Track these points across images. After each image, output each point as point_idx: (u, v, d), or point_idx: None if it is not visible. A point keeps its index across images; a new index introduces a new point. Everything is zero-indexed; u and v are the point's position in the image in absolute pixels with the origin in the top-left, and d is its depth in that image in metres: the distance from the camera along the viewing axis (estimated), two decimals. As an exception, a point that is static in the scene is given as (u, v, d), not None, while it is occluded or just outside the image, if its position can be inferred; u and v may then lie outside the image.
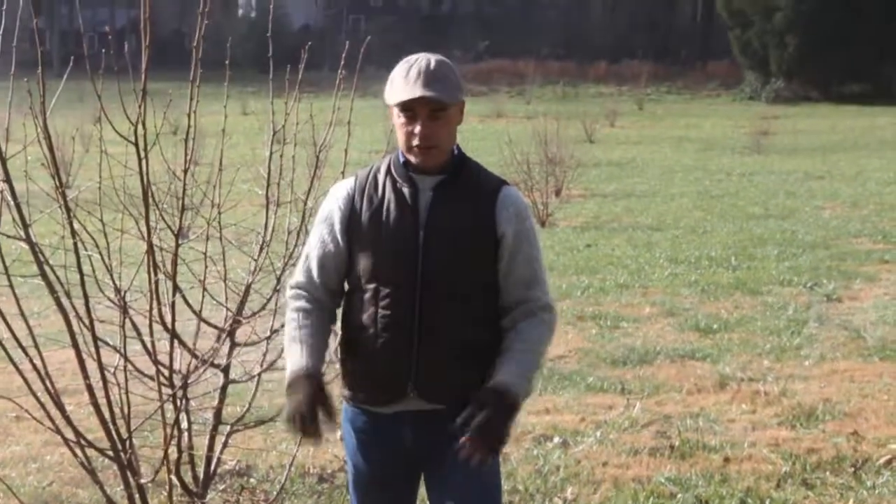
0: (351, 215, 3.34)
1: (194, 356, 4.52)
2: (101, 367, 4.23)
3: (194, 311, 4.68)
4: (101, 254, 4.30)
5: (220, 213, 4.85)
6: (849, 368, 8.26)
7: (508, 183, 3.42)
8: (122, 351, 4.31)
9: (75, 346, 4.19)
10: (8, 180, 4.02)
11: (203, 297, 4.71)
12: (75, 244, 4.11)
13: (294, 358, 3.33)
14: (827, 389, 7.69)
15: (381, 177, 3.35)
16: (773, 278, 11.96)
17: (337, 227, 3.36)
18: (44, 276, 4.09)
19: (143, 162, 4.15)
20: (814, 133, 36.44)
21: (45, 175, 4.17)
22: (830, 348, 8.86)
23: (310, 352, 3.32)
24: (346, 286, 3.43)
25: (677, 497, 5.65)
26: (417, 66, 3.21)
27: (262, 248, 4.78)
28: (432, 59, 3.25)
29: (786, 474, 5.95)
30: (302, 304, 3.40)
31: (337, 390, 3.53)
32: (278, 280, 4.77)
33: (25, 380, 4.26)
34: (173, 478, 4.54)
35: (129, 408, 4.37)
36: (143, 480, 4.50)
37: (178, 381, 4.44)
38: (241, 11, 75.65)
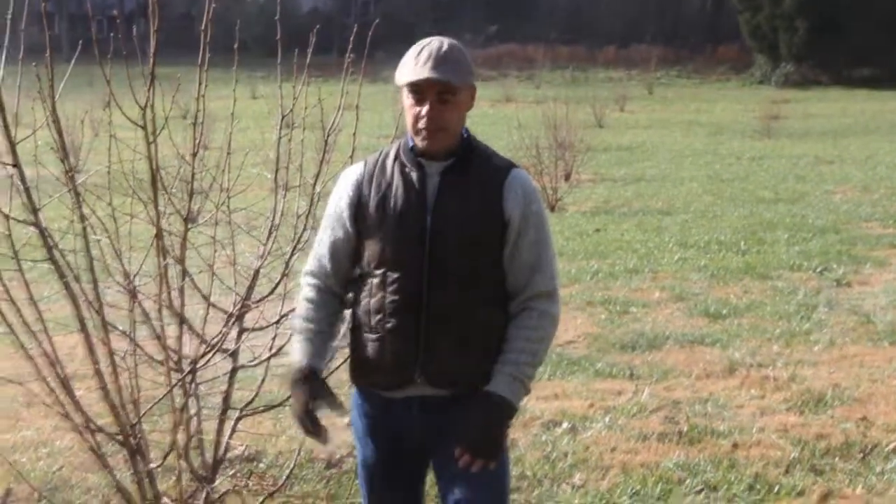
0: (359, 201, 3.34)
1: (203, 341, 4.52)
2: (111, 352, 4.23)
3: (203, 296, 4.68)
4: (110, 238, 4.30)
5: (228, 197, 4.84)
6: (858, 353, 8.24)
7: (518, 166, 3.40)
8: (132, 336, 4.31)
9: (84, 331, 4.19)
10: (17, 165, 4.02)
11: (212, 281, 4.71)
12: (84, 229, 4.10)
13: (297, 355, 3.42)
14: (836, 375, 7.67)
15: (389, 162, 3.35)
16: (782, 263, 11.93)
17: (345, 213, 3.36)
18: (53, 260, 4.09)
19: (152, 146, 4.14)
20: (824, 117, 36.34)
21: (54, 159, 4.17)
22: (840, 333, 8.84)
23: (313, 350, 3.40)
24: (357, 271, 3.43)
25: (686, 482, 5.64)
26: (429, 48, 3.22)
27: (270, 233, 4.78)
28: (444, 42, 3.25)
29: (794, 460, 5.94)
30: (313, 294, 3.42)
31: (346, 375, 3.54)
32: (287, 264, 4.76)
33: (35, 364, 4.26)
34: (182, 463, 4.54)
35: (138, 393, 4.37)
36: (151, 465, 4.51)
37: (186, 366, 4.44)
38: (249, -5, 75.46)
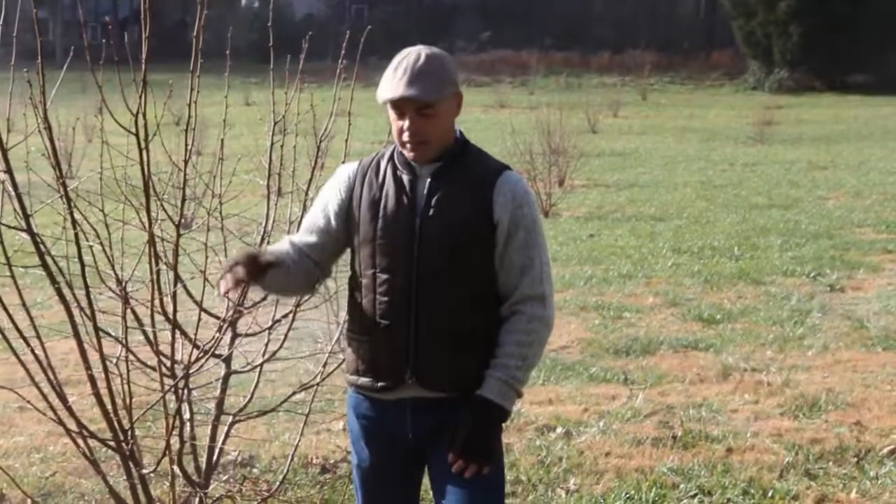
0: (350, 200, 3.36)
1: (196, 346, 4.51)
2: (103, 358, 4.22)
3: (196, 302, 4.67)
4: (102, 244, 4.30)
5: (221, 203, 4.84)
6: (852, 358, 8.25)
7: (510, 168, 3.39)
8: (124, 341, 4.30)
9: (77, 336, 4.18)
10: (9, 171, 4.01)
11: (204, 287, 4.71)
12: (76, 234, 4.10)
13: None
14: (830, 379, 7.68)
15: (383, 163, 3.36)
16: (776, 268, 11.95)
17: (332, 207, 3.38)
18: (45, 266, 4.08)
19: (144, 152, 4.14)
20: (817, 123, 36.40)
21: (46, 165, 4.16)
22: (833, 338, 8.85)
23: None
24: (350, 272, 3.44)
25: (680, 487, 5.65)
26: (406, 62, 3.19)
27: (263, 239, 4.78)
28: (423, 53, 3.22)
29: (788, 464, 5.95)
30: (288, 246, 3.43)
31: (341, 379, 3.54)
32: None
33: (28, 370, 4.25)
34: (176, 468, 4.54)
35: (130, 398, 4.36)
36: (145, 471, 4.50)
37: (179, 372, 4.43)
38: (244, 1, 75.56)
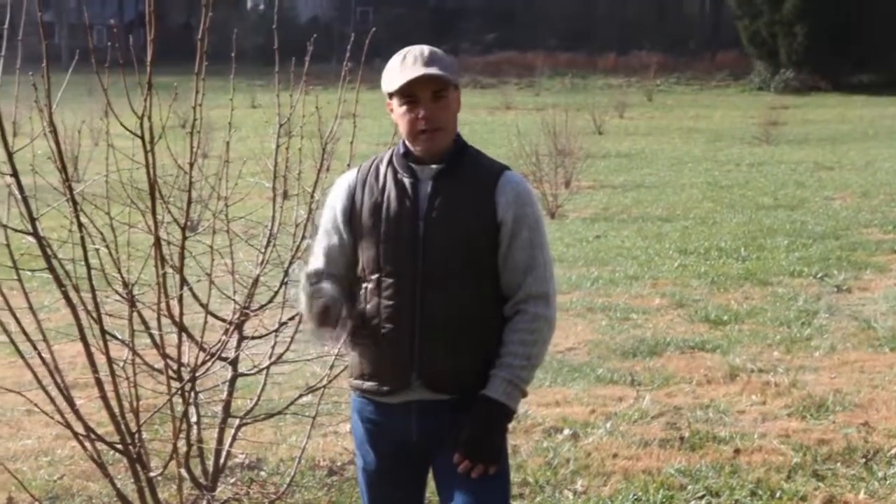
0: (352, 207, 3.35)
1: (202, 349, 4.52)
2: (110, 361, 4.22)
3: (202, 305, 4.68)
4: (108, 247, 4.30)
5: (227, 206, 4.84)
6: (859, 359, 8.24)
7: (510, 168, 3.40)
8: (131, 344, 4.30)
9: (84, 339, 4.19)
10: (15, 174, 4.01)
11: (211, 290, 4.71)
12: (82, 238, 4.10)
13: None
14: (837, 380, 7.67)
15: (382, 167, 3.36)
16: (782, 269, 11.93)
17: (339, 218, 3.37)
18: (52, 269, 4.09)
19: (150, 155, 4.14)
20: (823, 123, 36.35)
21: (53, 169, 4.17)
22: (841, 339, 8.83)
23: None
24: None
25: (687, 488, 5.64)
26: (412, 52, 3.26)
27: (269, 241, 4.78)
28: (426, 46, 3.29)
29: (796, 465, 5.93)
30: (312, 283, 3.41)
31: (346, 383, 3.53)
32: (286, 273, 4.76)
33: (35, 374, 4.26)
34: (183, 471, 4.54)
35: (137, 401, 4.37)
36: (152, 474, 4.50)
37: (186, 375, 4.43)
38: (249, 4, 75.66)
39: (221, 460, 4.88)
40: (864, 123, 35.98)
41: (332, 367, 4.91)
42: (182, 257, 4.36)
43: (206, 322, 4.70)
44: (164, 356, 4.45)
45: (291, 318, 4.78)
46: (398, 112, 3.28)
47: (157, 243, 4.24)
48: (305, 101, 4.91)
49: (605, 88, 51.67)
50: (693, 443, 6.32)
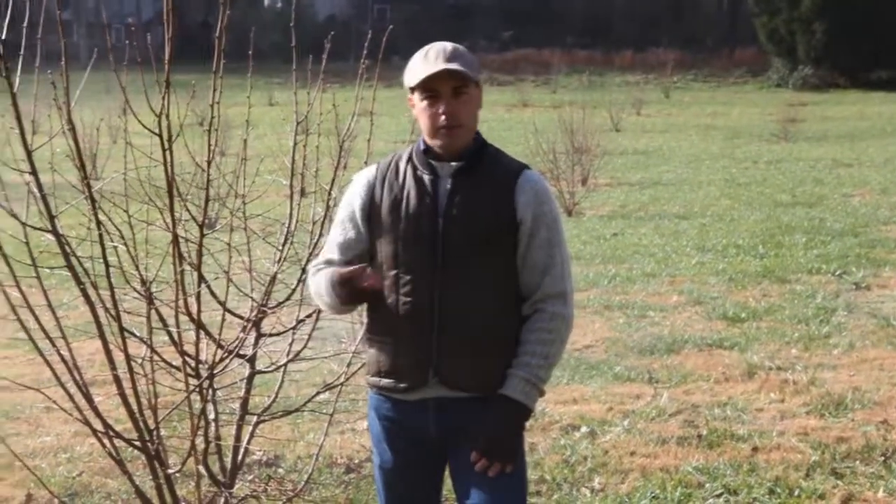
0: (371, 203, 3.36)
1: (220, 347, 4.52)
2: (128, 358, 4.23)
3: (220, 302, 4.68)
4: (126, 245, 4.31)
5: (244, 203, 4.85)
6: (878, 357, 8.20)
7: (529, 167, 3.41)
8: (149, 342, 4.31)
9: (102, 337, 4.20)
10: (34, 172, 4.03)
11: (228, 287, 4.72)
12: (101, 235, 4.11)
13: (330, 286, 3.35)
14: (856, 378, 7.64)
15: (402, 164, 3.37)
16: (801, 266, 11.88)
17: (358, 214, 3.38)
18: (70, 267, 4.10)
19: (168, 153, 4.15)
20: (842, 120, 36.18)
21: (72, 167, 4.18)
22: (859, 336, 8.80)
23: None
24: None
25: (705, 486, 5.63)
26: (436, 48, 3.27)
27: (286, 239, 4.78)
28: (448, 43, 3.31)
29: (815, 463, 5.92)
30: (326, 268, 3.41)
31: (363, 380, 3.54)
32: (303, 270, 4.76)
33: (54, 371, 4.27)
34: (201, 468, 4.55)
35: (156, 398, 4.38)
36: (170, 471, 4.51)
37: (204, 372, 4.44)
38: (266, 2, 75.78)
39: (239, 457, 4.89)
40: (882, 120, 35.80)
41: (349, 365, 4.92)
42: (200, 255, 4.36)
43: (223, 319, 4.70)
44: (182, 353, 4.46)
45: (309, 316, 4.78)
46: (419, 107, 3.28)
47: (175, 241, 4.25)
48: (323, 98, 4.92)
49: (622, 85, 51.54)
50: (711, 441, 6.30)
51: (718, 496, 5.52)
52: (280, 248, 4.81)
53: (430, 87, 3.24)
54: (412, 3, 67.21)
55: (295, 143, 4.82)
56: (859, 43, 49.22)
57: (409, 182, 3.33)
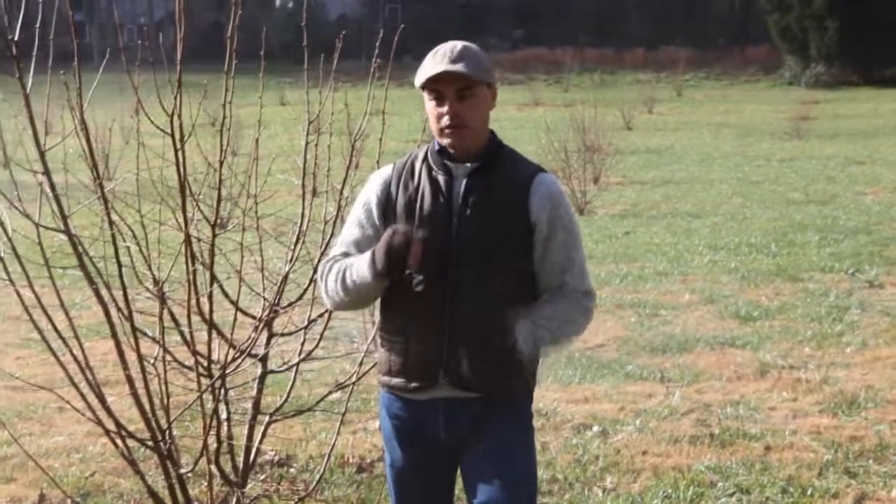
0: (387, 201, 3.36)
1: (232, 346, 4.53)
2: (141, 358, 4.25)
3: (232, 302, 4.69)
4: (139, 245, 4.32)
5: (256, 203, 4.86)
6: (891, 355, 8.17)
7: (545, 170, 3.40)
8: (161, 341, 4.32)
9: (115, 337, 4.21)
10: (47, 172, 4.05)
11: (240, 287, 4.73)
12: (113, 235, 4.12)
13: (360, 262, 3.27)
14: (869, 376, 7.62)
15: (418, 164, 3.37)
16: (813, 265, 11.85)
17: (375, 211, 3.37)
18: (83, 267, 4.12)
19: (180, 153, 4.16)
20: (855, 117, 36.06)
21: (84, 167, 4.20)
22: (872, 335, 8.77)
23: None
24: None
25: (718, 486, 5.62)
26: (444, 48, 3.27)
27: (298, 238, 4.79)
28: (460, 42, 3.30)
29: (828, 462, 5.90)
30: (341, 260, 3.38)
31: (375, 379, 3.54)
32: (315, 270, 4.77)
33: (67, 371, 4.29)
34: (213, 468, 4.56)
35: (168, 398, 4.39)
36: (183, 470, 4.52)
37: (216, 372, 4.45)
38: (278, 2, 75.86)
39: (251, 457, 4.90)
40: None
41: (361, 364, 4.92)
42: (212, 254, 4.37)
43: (235, 319, 4.71)
44: (195, 353, 4.47)
45: (321, 315, 4.79)
46: (428, 107, 3.30)
47: (188, 241, 4.26)
48: (334, 98, 4.92)
49: (633, 84, 51.42)
50: (723, 440, 6.29)
51: (731, 495, 5.51)
52: (292, 247, 4.81)
53: (434, 89, 3.25)
54: (423, 2, 67.23)
55: (307, 143, 4.82)
56: (872, 40, 49.03)
57: (424, 182, 3.33)
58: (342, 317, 4.95)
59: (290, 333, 4.85)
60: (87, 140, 4.09)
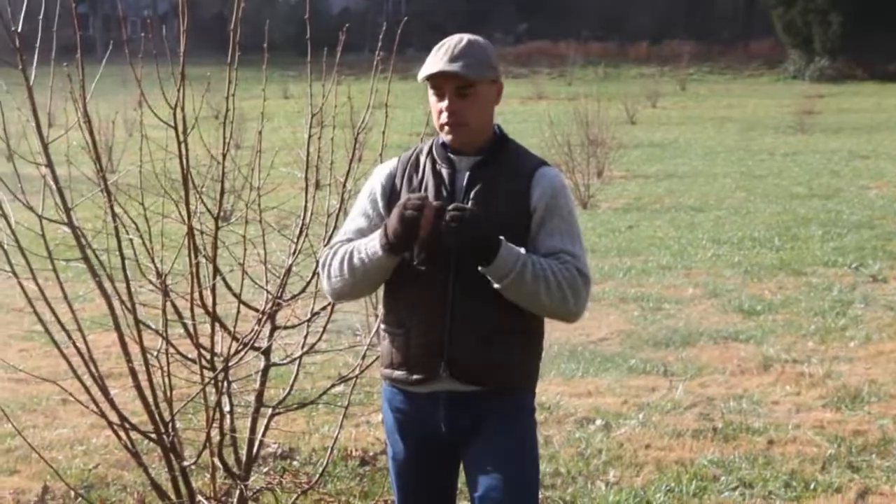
0: (392, 192, 3.36)
1: (235, 339, 4.53)
2: (144, 351, 4.25)
3: (235, 295, 4.69)
4: (142, 237, 4.32)
5: (259, 196, 4.85)
6: (895, 349, 8.16)
7: (548, 164, 3.39)
8: (164, 334, 4.32)
9: (118, 329, 4.21)
10: (50, 165, 4.05)
11: (243, 280, 4.72)
12: (116, 228, 4.12)
13: (369, 240, 3.24)
14: (872, 371, 7.61)
15: (422, 157, 3.37)
16: (817, 259, 11.85)
17: (380, 202, 3.37)
18: (86, 259, 4.12)
19: (183, 146, 4.16)
20: (858, 112, 36.02)
21: (88, 159, 4.20)
22: (876, 329, 8.77)
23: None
24: None
25: (720, 480, 5.61)
26: (448, 43, 3.25)
27: (301, 231, 4.78)
28: (465, 37, 3.28)
29: (831, 457, 5.90)
30: (346, 244, 3.35)
31: (378, 372, 3.54)
32: (318, 262, 4.77)
33: (70, 363, 4.29)
34: (216, 460, 4.56)
35: (171, 391, 4.39)
36: (186, 463, 4.53)
37: (219, 364, 4.45)
38: (281, -5, 75.71)
39: (254, 450, 4.90)
40: (899, 112, 35.62)
41: (364, 357, 4.92)
42: (215, 247, 4.37)
43: (238, 312, 4.71)
44: (198, 346, 4.47)
45: (324, 308, 4.78)
46: (430, 101, 3.30)
47: (191, 233, 4.26)
48: (338, 91, 4.91)
49: (637, 78, 51.40)
50: (726, 434, 6.29)
51: (734, 489, 5.51)
52: (295, 240, 4.81)
53: (434, 85, 3.25)
54: (427, -5, 67.10)
55: (310, 136, 4.82)
56: (876, 34, 48.95)
57: (428, 175, 3.32)
58: (345, 309, 4.95)
59: (293, 326, 4.85)
60: (91, 132, 4.09)
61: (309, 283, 4.80)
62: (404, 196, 3.29)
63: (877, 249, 12.27)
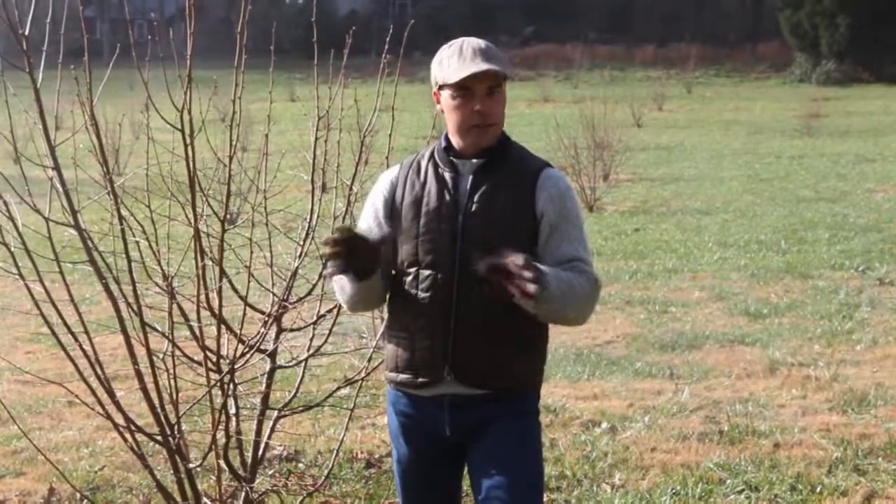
0: (393, 201, 3.36)
1: (241, 341, 4.53)
2: (150, 353, 4.25)
3: (241, 297, 4.69)
4: (148, 240, 4.33)
5: (265, 198, 4.86)
6: (901, 353, 8.16)
7: (551, 165, 3.40)
8: (171, 336, 4.33)
9: (124, 331, 4.22)
10: (57, 167, 4.05)
11: (249, 282, 4.73)
12: (123, 231, 4.13)
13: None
14: (879, 374, 7.60)
15: (424, 162, 3.37)
16: (823, 262, 11.83)
17: (381, 212, 3.38)
18: (93, 262, 4.12)
19: (189, 149, 4.16)
20: (865, 115, 35.94)
21: (95, 162, 4.20)
22: (882, 332, 8.75)
23: None
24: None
25: (726, 483, 5.61)
26: (469, 45, 3.25)
27: (307, 234, 4.79)
28: (478, 40, 3.29)
29: (837, 460, 5.89)
30: None
31: (383, 375, 3.54)
32: (324, 265, 4.77)
33: (76, 365, 4.30)
34: (221, 462, 4.56)
35: (177, 393, 4.39)
36: (191, 465, 4.53)
37: (225, 367, 4.45)
38: (288, -2, 75.79)
39: (260, 452, 4.90)
40: (906, 115, 35.56)
41: (370, 360, 4.92)
42: (221, 250, 4.37)
43: (244, 314, 4.71)
44: (204, 348, 4.47)
45: (330, 311, 4.79)
46: (450, 104, 3.26)
47: (197, 236, 4.26)
48: (344, 94, 4.92)
49: (643, 81, 51.34)
50: (732, 437, 6.28)
51: (740, 492, 5.51)
52: (301, 243, 4.81)
53: (465, 86, 3.22)
54: (434, -2, 67.14)
55: (316, 139, 4.82)
56: (883, 37, 48.90)
57: (430, 180, 3.33)
58: (350, 312, 4.95)
59: (299, 329, 4.86)
60: (98, 135, 4.10)
61: (315, 285, 4.81)
62: (407, 201, 3.30)
63: (883, 253, 12.25)
